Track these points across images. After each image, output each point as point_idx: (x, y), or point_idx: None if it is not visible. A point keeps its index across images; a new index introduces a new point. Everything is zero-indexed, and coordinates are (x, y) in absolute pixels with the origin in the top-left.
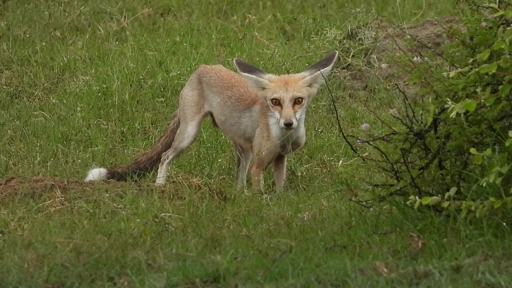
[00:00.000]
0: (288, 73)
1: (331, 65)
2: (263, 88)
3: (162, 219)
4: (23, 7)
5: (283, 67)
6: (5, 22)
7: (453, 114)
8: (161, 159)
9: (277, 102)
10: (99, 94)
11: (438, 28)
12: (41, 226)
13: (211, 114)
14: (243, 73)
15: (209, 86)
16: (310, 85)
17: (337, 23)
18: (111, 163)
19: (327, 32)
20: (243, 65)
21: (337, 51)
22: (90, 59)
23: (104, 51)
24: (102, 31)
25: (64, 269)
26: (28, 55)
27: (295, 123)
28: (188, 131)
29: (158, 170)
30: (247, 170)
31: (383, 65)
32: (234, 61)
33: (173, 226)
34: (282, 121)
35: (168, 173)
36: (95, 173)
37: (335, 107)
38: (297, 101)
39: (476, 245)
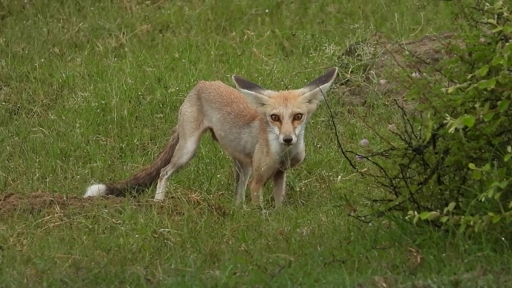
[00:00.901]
0: (287, 89)
1: (331, 81)
2: (263, 104)
3: (161, 234)
4: (21, 24)
5: (282, 83)
6: (3, 39)
7: (451, 130)
8: (160, 175)
9: (276, 118)
10: (98, 110)
11: (436, 43)
12: (40, 241)
13: (210, 129)
14: (242, 90)
15: (208, 102)
16: (309, 101)
17: (335, 39)
18: (110, 179)
19: (325, 48)
20: (242, 81)
21: (336, 68)
22: (88, 76)
23: (102, 67)
24: (101, 48)
25: (63, 284)
26: (27, 71)
27: (294, 139)
28: (187, 146)
29: (157, 186)
30: (246, 186)
31: (382, 81)
32: (233, 77)
33: (172, 242)
34: (281, 137)
35: (167, 189)
36: (94, 190)
37: (334, 123)
38: (296, 117)
39: (475, 260)
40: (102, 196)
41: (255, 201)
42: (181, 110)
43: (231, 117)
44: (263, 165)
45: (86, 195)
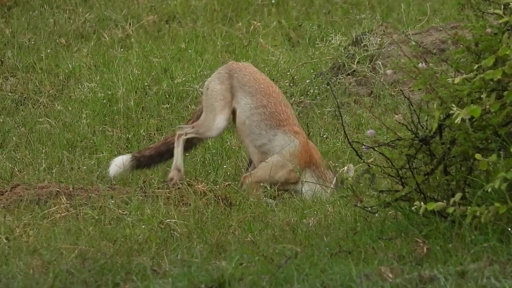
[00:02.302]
0: (293, 79)
1: None
2: None
3: (167, 225)
4: (28, 15)
5: (288, 73)
6: (10, 30)
7: (458, 120)
8: (178, 134)
9: None
10: (104, 101)
11: (443, 34)
12: (46, 232)
13: (233, 111)
14: None
15: (241, 84)
16: None
17: (342, 30)
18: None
19: (332, 38)
20: None
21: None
22: (95, 66)
23: (109, 58)
24: (107, 38)
25: (69, 275)
26: (33, 62)
27: None
28: (217, 122)
29: (175, 151)
30: (243, 179)
31: (388, 71)
32: None
33: (178, 232)
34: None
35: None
36: (118, 162)
37: (340, 113)
38: None
39: (481, 250)
40: (109, 186)
41: (257, 197)
42: (208, 86)
43: (265, 112)
44: (274, 175)
45: (111, 171)
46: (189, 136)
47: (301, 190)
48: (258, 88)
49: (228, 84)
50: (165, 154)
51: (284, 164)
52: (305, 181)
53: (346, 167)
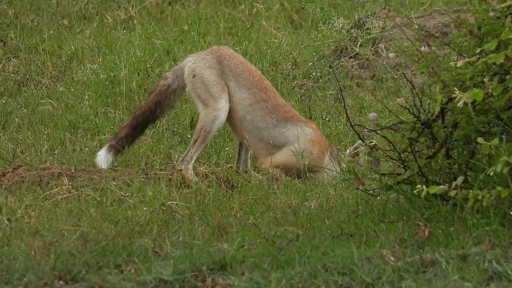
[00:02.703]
0: (295, 62)
1: None
2: None
3: (169, 207)
4: None
5: (291, 56)
6: (12, 11)
7: (460, 104)
8: (181, 170)
9: None
10: (107, 82)
11: (445, 17)
12: (48, 214)
13: None
14: None
15: (234, 74)
16: None
17: (345, 12)
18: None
19: (334, 21)
20: None
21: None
22: (97, 48)
23: (111, 39)
24: (110, 20)
25: (71, 256)
26: (36, 43)
27: None
28: (221, 105)
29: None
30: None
31: (391, 55)
32: None
33: (180, 214)
34: None
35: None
36: (101, 159)
37: (342, 96)
38: None
39: (483, 234)
40: (111, 168)
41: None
42: (195, 72)
43: (267, 107)
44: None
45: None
46: (194, 159)
47: (322, 176)
48: (253, 82)
49: (219, 70)
50: (140, 126)
51: (310, 150)
52: (327, 168)
53: (355, 145)
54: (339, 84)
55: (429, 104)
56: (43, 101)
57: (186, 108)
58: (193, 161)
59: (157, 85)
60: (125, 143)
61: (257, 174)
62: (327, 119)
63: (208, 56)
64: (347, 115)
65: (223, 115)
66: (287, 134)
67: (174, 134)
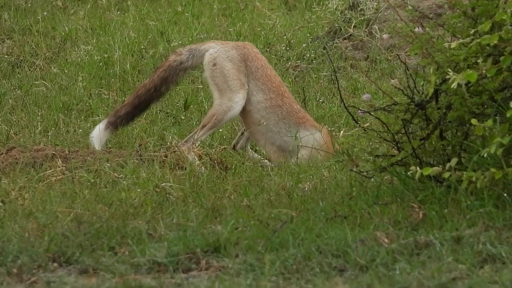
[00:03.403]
0: (289, 43)
1: None
2: None
3: (163, 189)
4: None
5: (285, 37)
6: None
7: (454, 85)
8: (182, 150)
9: None
10: (101, 64)
11: None
12: (41, 195)
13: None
14: None
15: (254, 77)
16: None
17: None
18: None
19: (328, 2)
20: None
21: None
22: (91, 29)
23: (105, 21)
24: (104, 1)
25: (64, 238)
26: (30, 24)
27: None
28: (238, 99)
29: (187, 154)
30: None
31: (385, 36)
32: None
33: (174, 196)
34: None
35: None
36: (96, 134)
37: (336, 78)
38: None
39: (477, 216)
40: (104, 150)
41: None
42: (216, 62)
43: (282, 112)
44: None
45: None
46: (198, 143)
47: None
48: (270, 87)
49: (241, 67)
50: (142, 105)
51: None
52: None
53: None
54: (333, 66)
55: (423, 85)
56: (37, 82)
57: (180, 89)
58: (197, 144)
59: (167, 60)
60: (124, 121)
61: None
62: (321, 100)
63: (233, 51)
64: (341, 96)
65: (237, 108)
66: (300, 140)
67: (168, 116)
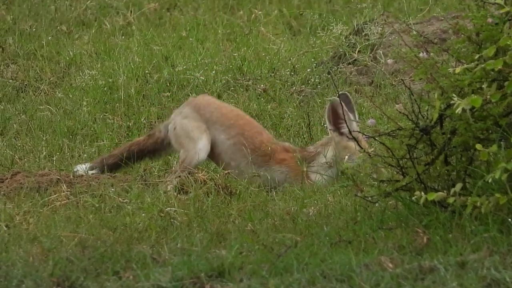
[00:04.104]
0: (294, 68)
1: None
2: (345, 147)
3: (167, 213)
4: (29, 1)
5: (289, 62)
6: (11, 16)
7: (459, 110)
8: (164, 185)
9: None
10: (105, 88)
11: (444, 24)
12: (46, 220)
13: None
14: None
15: (211, 122)
16: None
17: (343, 19)
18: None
19: (333, 27)
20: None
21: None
22: (96, 54)
23: (110, 45)
24: (108, 26)
25: (69, 263)
26: (34, 49)
27: None
28: (201, 145)
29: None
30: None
31: (389, 61)
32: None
33: (178, 221)
34: None
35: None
36: (80, 169)
37: (341, 102)
38: None
39: (482, 241)
40: (109, 175)
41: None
42: (175, 125)
43: (248, 151)
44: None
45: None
46: (175, 183)
47: None
48: (229, 125)
49: (198, 116)
50: (131, 159)
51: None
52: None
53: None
54: (337, 91)
55: (427, 110)
56: (41, 107)
57: None
58: (174, 182)
59: (154, 134)
60: (109, 170)
61: None
62: (325, 125)
63: (185, 108)
64: (345, 121)
65: (203, 154)
66: (273, 177)
67: None
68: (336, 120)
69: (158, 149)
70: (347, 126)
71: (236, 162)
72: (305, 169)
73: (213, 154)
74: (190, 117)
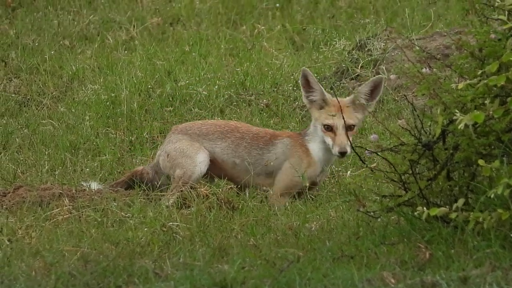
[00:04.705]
0: (297, 83)
1: (380, 93)
2: (320, 108)
3: (169, 228)
4: (32, 16)
5: (292, 77)
6: (14, 31)
7: (461, 126)
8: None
9: (329, 129)
10: (108, 103)
11: (447, 39)
12: (48, 234)
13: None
14: (313, 79)
15: (203, 135)
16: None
17: (346, 34)
18: (119, 172)
19: (336, 42)
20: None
21: (383, 77)
22: (98, 68)
23: (113, 60)
24: (111, 40)
25: (71, 277)
26: (37, 63)
27: (349, 151)
28: (200, 158)
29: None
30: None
31: (392, 76)
32: (303, 69)
33: (180, 235)
34: (336, 149)
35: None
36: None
37: (343, 118)
38: (349, 128)
39: (484, 256)
40: (112, 189)
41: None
42: (168, 152)
43: (247, 142)
44: (293, 182)
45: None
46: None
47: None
48: (221, 131)
49: (188, 137)
50: (138, 181)
51: (297, 161)
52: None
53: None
54: (340, 106)
55: (430, 126)
56: (44, 121)
57: None
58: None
59: (142, 174)
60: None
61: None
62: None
63: (172, 136)
64: (347, 136)
65: (203, 167)
66: (272, 157)
67: None
68: (308, 88)
69: (155, 178)
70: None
71: (240, 157)
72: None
73: (215, 166)
74: (181, 140)
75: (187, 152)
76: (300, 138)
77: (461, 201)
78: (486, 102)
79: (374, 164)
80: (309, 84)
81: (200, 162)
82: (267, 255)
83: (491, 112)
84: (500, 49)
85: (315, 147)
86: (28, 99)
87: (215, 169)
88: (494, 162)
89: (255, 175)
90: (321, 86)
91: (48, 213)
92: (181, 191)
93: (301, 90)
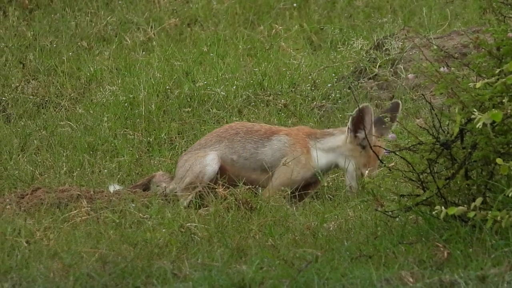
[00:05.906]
0: (315, 83)
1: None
2: (362, 149)
3: (188, 229)
4: (49, 17)
5: (310, 77)
6: (31, 32)
7: (479, 125)
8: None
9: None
10: (126, 104)
11: (464, 38)
12: (67, 236)
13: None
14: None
15: (202, 146)
16: None
17: (364, 33)
18: (137, 173)
19: (353, 42)
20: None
21: (399, 102)
22: (116, 70)
23: (130, 61)
24: (129, 42)
25: (89, 279)
26: (55, 65)
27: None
28: (210, 157)
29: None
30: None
31: (410, 75)
32: (366, 106)
33: (199, 236)
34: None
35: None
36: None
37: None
38: None
39: (502, 255)
40: (129, 191)
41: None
42: (177, 175)
43: (242, 136)
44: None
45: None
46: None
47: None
48: (216, 135)
49: (193, 151)
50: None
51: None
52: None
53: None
54: (358, 105)
55: (448, 125)
56: (62, 123)
57: (205, 130)
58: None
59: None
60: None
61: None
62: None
63: (180, 161)
64: (366, 136)
65: (214, 165)
66: (268, 151)
67: None
68: (358, 124)
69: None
70: (366, 136)
71: (236, 154)
72: (312, 143)
73: (225, 169)
74: (188, 155)
75: (195, 159)
76: (306, 138)
77: (479, 200)
78: (504, 100)
79: (392, 164)
80: (363, 122)
81: (211, 160)
82: (285, 255)
83: (509, 111)
84: None
85: (322, 158)
86: (46, 100)
87: (226, 171)
88: None
89: (251, 170)
90: (373, 128)
91: (66, 214)
92: (198, 191)
93: (349, 122)
